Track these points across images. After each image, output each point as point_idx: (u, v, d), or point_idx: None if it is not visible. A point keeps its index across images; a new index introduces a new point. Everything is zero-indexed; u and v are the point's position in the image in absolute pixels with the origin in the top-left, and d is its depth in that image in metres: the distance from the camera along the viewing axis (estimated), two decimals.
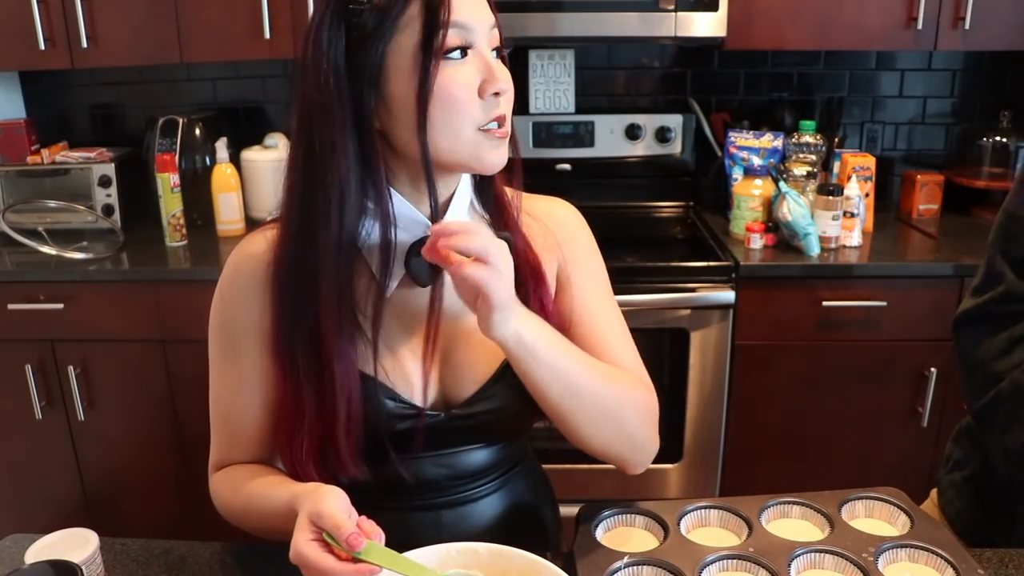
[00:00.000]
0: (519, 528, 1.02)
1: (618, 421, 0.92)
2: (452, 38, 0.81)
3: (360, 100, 0.83)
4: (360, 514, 0.75)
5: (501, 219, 0.96)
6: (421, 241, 0.87)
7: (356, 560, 0.71)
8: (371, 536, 0.73)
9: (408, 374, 0.92)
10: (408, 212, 0.88)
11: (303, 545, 0.72)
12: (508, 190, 0.98)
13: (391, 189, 0.87)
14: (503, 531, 1.00)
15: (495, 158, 0.86)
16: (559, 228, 1.01)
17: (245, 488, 0.91)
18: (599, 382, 0.90)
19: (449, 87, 0.81)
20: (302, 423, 0.87)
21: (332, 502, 0.74)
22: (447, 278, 0.91)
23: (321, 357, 0.87)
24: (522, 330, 0.83)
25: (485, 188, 0.96)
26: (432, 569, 0.75)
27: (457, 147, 0.84)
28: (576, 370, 0.88)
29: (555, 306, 0.99)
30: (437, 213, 0.89)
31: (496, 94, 0.83)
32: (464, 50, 0.82)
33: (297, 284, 0.87)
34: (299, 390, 0.88)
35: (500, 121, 0.85)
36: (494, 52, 0.86)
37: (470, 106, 0.82)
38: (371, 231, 0.88)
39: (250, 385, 0.93)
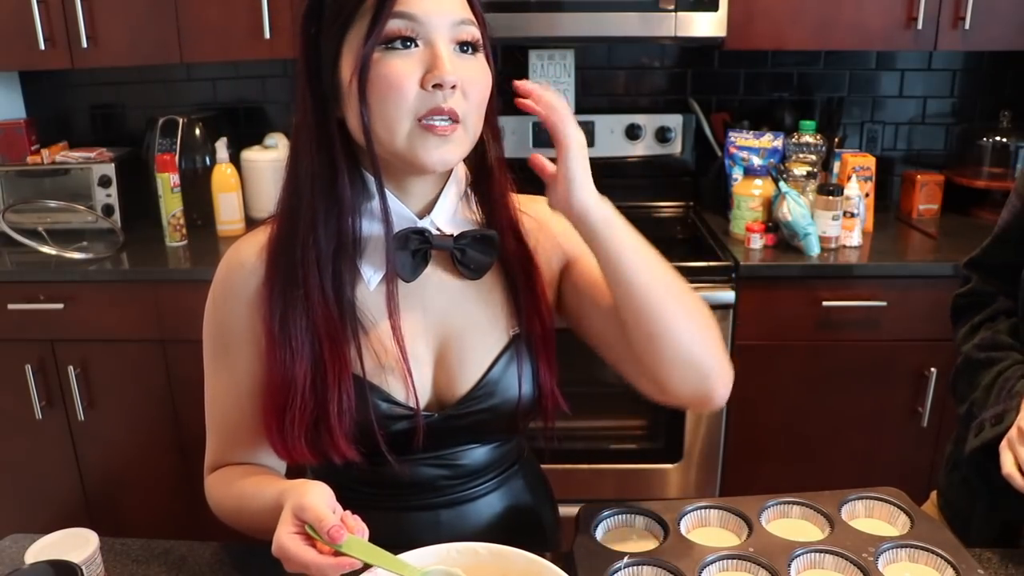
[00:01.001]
0: (518, 527, 1.02)
1: (706, 312, 0.87)
2: (396, 27, 0.80)
3: (321, 87, 0.85)
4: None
5: (497, 219, 0.95)
6: (404, 236, 0.88)
7: (337, 554, 0.72)
8: (354, 531, 0.73)
9: (400, 374, 0.91)
10: (394, 207, 0.88)
11: (285, 538, 0.72)
12: (513, 194, 0.98)
13: (378, 183, 0.87)
14: (502, 530, 1.00)
15: (435, 155, 0.83)
16: (554, 223, 1.00)
17: (237, 488, 0.91)
18: (673, 272, 0.86)
19: (386, 74, 0.81)
20: (294, 398, 0.87)
21: (315, 496, 0.74)
22: (433, 277, 0.92)
23: (314, 344, 0.87)
24: (603, 201, 0.82)
25: (482, 187, 0.96)
26: (412, 565, 0.75)
27: (394, 139, 0.83)
28: (655, 253, 0.85)
29: (565, 297, 1.00)
30: (427, 211, 0.91)
31: (438, 86, 0.81)
32: (411, 41, 0.81)
33: (288, 275, 0.88)
34: (292, 364, 0.87)
35: (443, 114, 0.81)
36: (462, 48, 0.84)
37: (407, 95, 0.81)
38: (361, 228, 0.89)
39: (243, 388, 0.93)
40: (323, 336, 0.87)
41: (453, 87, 0.82)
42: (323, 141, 0.86)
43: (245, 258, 0.92)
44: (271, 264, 0.90)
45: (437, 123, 0.82)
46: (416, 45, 0.82)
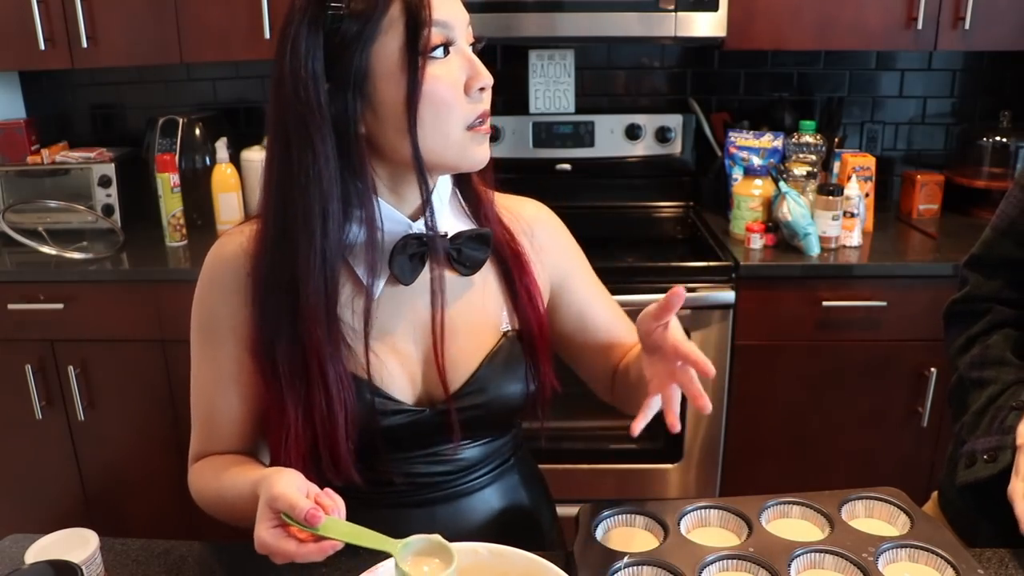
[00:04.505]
0: (514, 523, 1.03)
1: None
2: (435, 36, 0.82)
3: (343, 108, 0.83)
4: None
5: (480, 212, 0.97)
6: (403, 241, 0.88)
7: (319, 538, 0.71)
8: (330, 511, 0.73)
9: (394, 372, 0.93)
10: (389, 213, 0.89)
11: (264, 534, 0.73)
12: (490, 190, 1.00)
13: (374, 192, 0.87)
14: (498, 525, 1.00)
15: (481, 155, 0.88)
16: (542, 233, 1.03)
17: (216, 479, 0.92)
18: None
19: (437, 87, 0.82)
20: (289, 432, 0.88)
21: (285, 483, 0.74)
22: (435, 279, 0.92)
23: (308, 364, 0.87)
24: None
25: (465, 183, 0.98)
26: (392, 539, 0.74)
27: (446, 147, 0.85)
28: None
29: (551, 303, 1.02)
30: (419, 214, 0.92)
31: (481, 89, 0.84)
32: (447, 47, 0.83)
33: (279, 291, 0.88)
34: (283, 399, 0.88)
35: (485, 117, 0.86)
36: (471, 47, 0.87)
37: (458, 105, 0.84)
38: (357, 235, 0.89)
39: (228, 380, 0.94)
40: (323, 361, 0.87)
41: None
42: (347, 161, 0.85)
43: (229, 254, 0.93)
44: (256, 280, 0.89)
45: (480, 124, 0.86)
46: (448, 51, 0.83)
